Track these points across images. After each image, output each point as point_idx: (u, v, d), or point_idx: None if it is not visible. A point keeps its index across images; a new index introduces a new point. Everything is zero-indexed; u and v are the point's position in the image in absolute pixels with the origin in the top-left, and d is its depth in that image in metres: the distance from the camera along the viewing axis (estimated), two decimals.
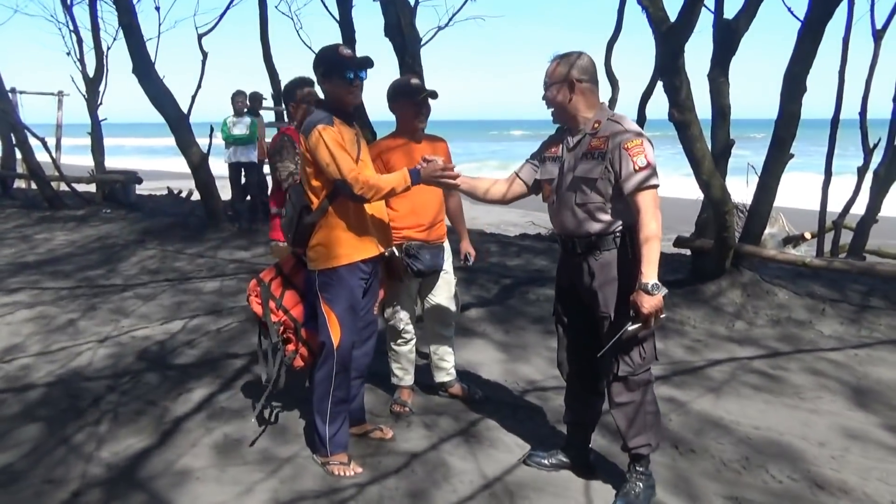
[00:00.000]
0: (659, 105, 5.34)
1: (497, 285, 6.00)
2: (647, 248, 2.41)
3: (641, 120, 8.30)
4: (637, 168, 2.43)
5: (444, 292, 3.53)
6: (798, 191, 13.70)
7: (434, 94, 3.39)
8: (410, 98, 3.33)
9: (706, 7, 5.17)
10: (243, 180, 8.97)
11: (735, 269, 5.63)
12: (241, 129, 8.65)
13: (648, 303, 2.41)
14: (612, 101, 9.06)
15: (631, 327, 2.48)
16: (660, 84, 4.91)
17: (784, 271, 6.00)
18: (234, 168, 8.77)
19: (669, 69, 4.71)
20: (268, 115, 12.89)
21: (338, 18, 7.84)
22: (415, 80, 3.44)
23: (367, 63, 2.81)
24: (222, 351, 4.46)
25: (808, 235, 9.17)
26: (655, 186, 2.46)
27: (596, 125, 2.57)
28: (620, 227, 2.54)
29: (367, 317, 2.97)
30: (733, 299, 5.40)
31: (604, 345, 2.57)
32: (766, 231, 7.66)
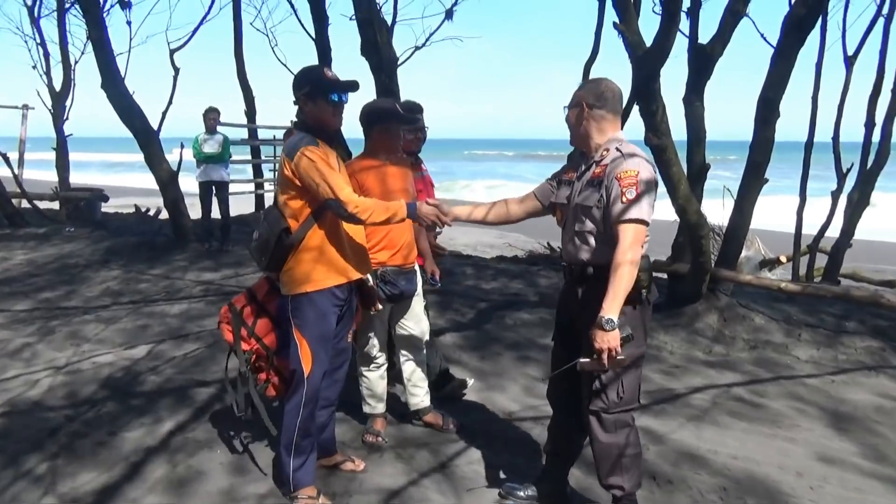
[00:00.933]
0: (635, 128, 5.40)
1: (472, 310, 5.99)
2: (614, 280, 2.37)
3: None
4: (625, 199, 2.42)
5: (415, 316, 3.52)
6: (773, 213, 13.97)
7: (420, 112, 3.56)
8: (399, 122, 3.33)
9: (681, 32, 5.30)
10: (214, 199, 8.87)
11: (711, 294, 5.70)
12: (212, 147, 8.57)
13: (601, 339, 2.36)
14: None
15: (582, 360, 2.44)
16: (636, 108, 4.99)
17: (760, 295, 6.08)
18: (205, 186, 8.67)
19: (645, 93, 4.79)
20: (237, 133, 12.87)
21: (314, 36, 7.85)
22: (410, 103, 3.48)
23: (353, 87, 2.81)
24: (188, 378, 4.36)
25: (783, 259, 9.33)
26: (640, 222, 2.42)
27: (604, 153, 2.57)
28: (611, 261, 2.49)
29: (340, 344, 2.94)
30: (710, 324, 5.46)
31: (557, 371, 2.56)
32: (742, 254, 7.79)
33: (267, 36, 12.17)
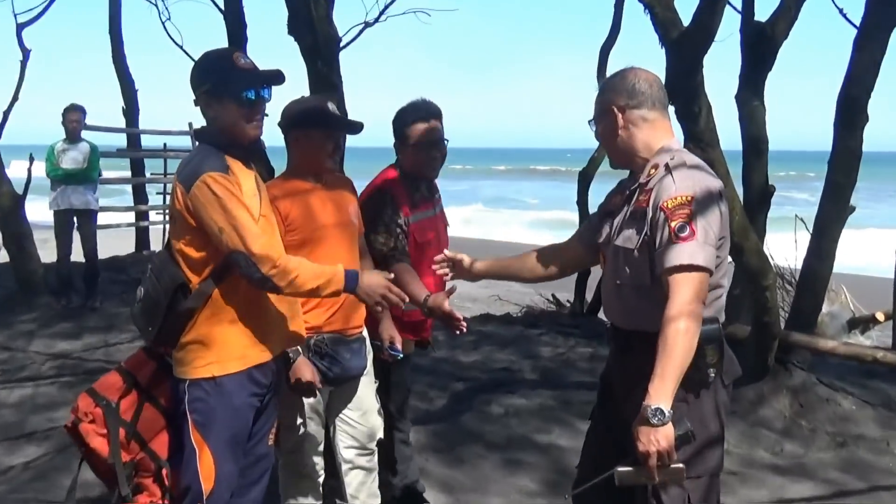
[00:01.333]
0: None
1: (444, 392, 5.97)
2: (663, 353, 2.32)
3: None
4: (675, 237, 2.39)
5: (362, 406, 3.50)
6: (864, 252, 14.24)
7: (359, 127, 3.49)
8: (324, 128, 3.37)
9: (731, 5, 5.43)
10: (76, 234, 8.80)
11: (781, 367, 5.74)
12: (74, 161, 8.52)
13: (646, 438, 2.30)
14: None
15: (621, 469, 2.38)
16: (671, 109, 5.08)
17: (849, 369, 6.14)
18: (63, 216, 8.59)
19: (684, 90, 4.88)
20: (111, 141, 12.84)
21: (222, 8, 7.91)
22: (331, 105, 3.49)
23: (276, 79, 2.83)
24: (26, 499, 4.27)
25: (880, 316, 9.43)
26: (699, 268, 2.38)
27: (652, 171, 2.56)
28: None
29: (258, 449, 2.93)
30: (780, 410, 5.49)
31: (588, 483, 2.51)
32: (824, 310, 7.86)
33: (156, 6, 12.19)
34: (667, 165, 2.51)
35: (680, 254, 2.38)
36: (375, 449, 3.60)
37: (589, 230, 2.87)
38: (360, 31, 7.82)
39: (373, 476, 3.59)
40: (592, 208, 4.12)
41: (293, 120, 3.37)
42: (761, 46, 5.61)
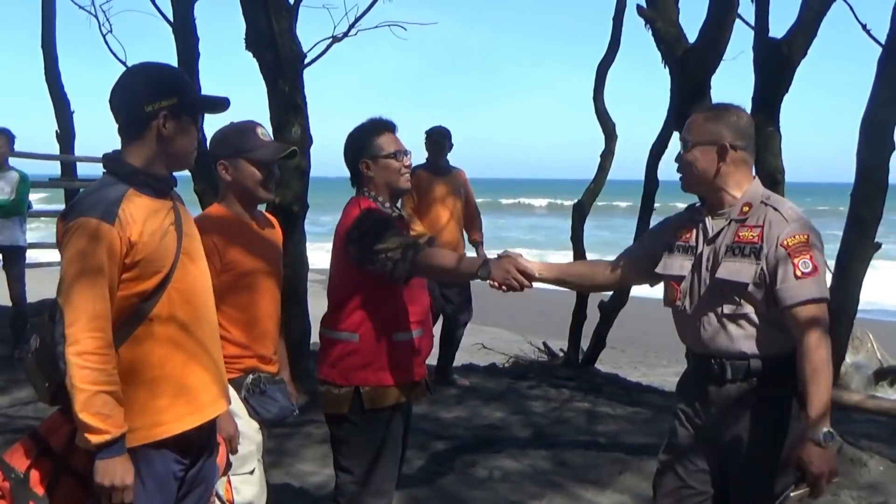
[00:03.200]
0: (670, 166, 5.53)
1: (423, 452, 5.94)
2: (816, 383, 2.82)
3: (651, 185, 8.62)
4: (800, 274, 2.89)
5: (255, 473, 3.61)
6: (893, 293, 14.37)
7: (293, 154, 3.72)
8: (256, 156, 3.50)
9: (742, 19, 5.50)
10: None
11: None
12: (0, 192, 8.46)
13: (820, 459, 2.79)
14: (607, 155, 9.41)
15: (794, 494, 2.87)
16: (676, 134, 5.13)
17: (878, 426, 6.14)
18: None
19: (690, 113, 4.93)
20: (43, 169, 12.77)
21: (171, 20, 7.93)
22: (261, 130, 3.62)
23: (221, 106, 2.88)
24: None
25: None
26: (824, 300, 2.93)
27: (745, 209, 3.06)
28: (787, 351, 2.96)
29: None
30: None
31: None
32: (848, 360, 7.91)
33: (96, 17, 12.14)
34: (767, 204, 3.03)
35: (809, 289, 2.89)
36: None
37: (644, 258, 3.35)
38: (328, 47, 7.84)
39: None
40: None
41: (222, 145, 3.53)
42: (776, 65, 5.67)
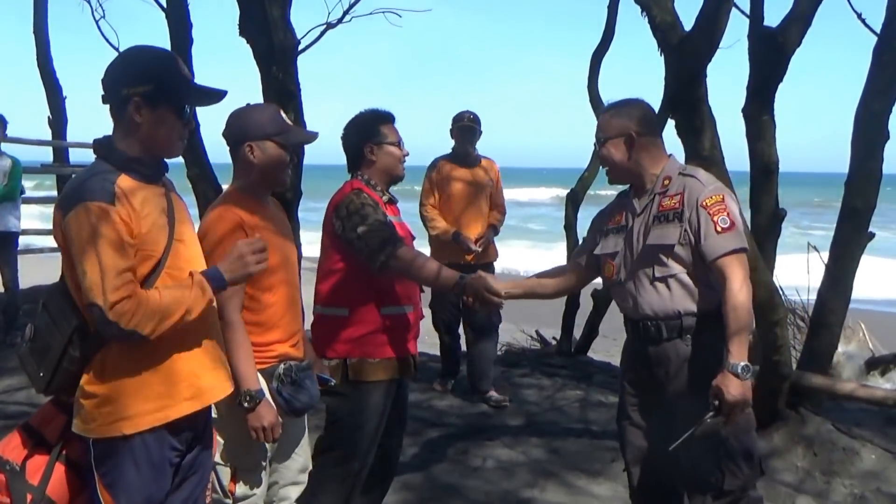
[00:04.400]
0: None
1: (416, 440, 5.95)
2: (735, 322, 3.17)
3: None
4: (720, 229, 3.27)
5: (303, 435, 3.69)
6: (886, 284, 14.39)
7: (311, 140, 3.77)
8: (286, 139, 3.48)
9: (737, 8, 5.49)
10: None
11: (793, 413, 5.76)
12: None
13: (736, 389, 3.11)
14: None
15: (709, 418, 3.14)
16: (671, 123, 5.11)
17: (870, 415, 6.16)
18: None
19: (684, 101, 4.92)
20: (36, 155, 12.73)
21: (164, 5, 7.89)
22: (285, 115, 3.59)
23: (213, 97, 2.86)
24: None
25: None
26: (743, 250, 3.30)
27: (665, 182, 3.45)
28: (715, 306, 3.30)
29: None
30: (792, 461, 5.50)
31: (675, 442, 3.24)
32: (840, 350, 7.92)
33: (88, 2, 12.11)
34: (684, 174, 3.43)
35: (729, 241, 3.27)
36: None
37: (590, 253, 3.71)
38: (322, 34, 7.80)
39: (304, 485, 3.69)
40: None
41: (245, 130, 3.45)
42: (771, 55, 5.64)
